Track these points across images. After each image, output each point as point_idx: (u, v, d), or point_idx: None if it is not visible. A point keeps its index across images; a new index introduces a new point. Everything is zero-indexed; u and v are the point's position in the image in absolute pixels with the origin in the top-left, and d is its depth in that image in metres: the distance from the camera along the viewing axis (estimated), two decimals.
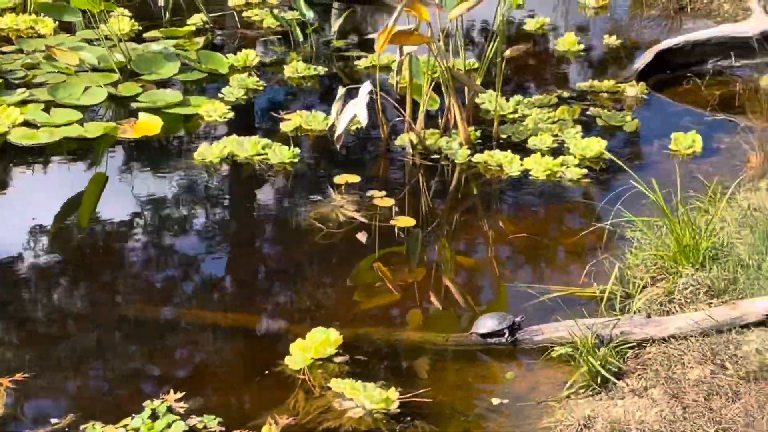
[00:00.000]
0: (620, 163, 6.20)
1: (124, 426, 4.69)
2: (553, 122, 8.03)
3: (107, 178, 7.27)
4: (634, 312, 5.46)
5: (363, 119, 6.93)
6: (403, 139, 7.59)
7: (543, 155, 7.39)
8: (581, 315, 5.44)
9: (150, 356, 5.33)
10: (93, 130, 7.68)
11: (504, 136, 7.84)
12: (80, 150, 7.63)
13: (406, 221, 6.58)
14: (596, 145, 7.51)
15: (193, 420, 4.75)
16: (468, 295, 5.91)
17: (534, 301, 5.69)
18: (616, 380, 4.92)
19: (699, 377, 4.75)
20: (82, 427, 4.70)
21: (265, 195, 7.05)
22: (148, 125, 7.79)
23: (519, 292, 5.83)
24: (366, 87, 7.02)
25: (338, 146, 7.14)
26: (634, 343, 5.15)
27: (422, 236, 6.49)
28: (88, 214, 6.83)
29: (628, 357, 5.10)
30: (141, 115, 7.90)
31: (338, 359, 5.20)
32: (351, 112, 7.01)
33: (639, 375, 4.95)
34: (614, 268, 5.68)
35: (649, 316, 5.22)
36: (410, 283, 5.98)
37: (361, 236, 6.42)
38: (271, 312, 5.72)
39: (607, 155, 7.33)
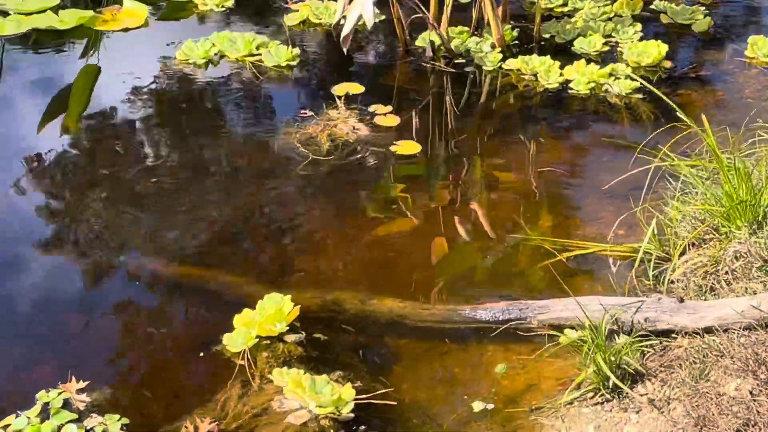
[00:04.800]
0: (659, 94, 4.93)
1: (4, 427, 3.76)
2: (609, 18, 6.75)
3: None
4: (670, 282, 4.36)
5: (368, 21, 5.77)
6: (424, 40, 6.40)
7: (589, 62, 6.16)
8: (604, 283, 4.37)
9: (55, 323, 4.35)
10: (68, 20, 6.62)
11: (546, 36, 6.61)
12: (47, 44, 6.60)
13: (410, 147, 5.48)
14: (654, 50, 6.26)
15: (93, 420, 3.81)
16: (471, 251, 4.80)
17: (550, 261, 4.58)
18: (631, 387, 3.83)
19: (735, 396, 3.66)
20: None
21: (248, 108, 5.96)
22: (132, 15, 6.72)
23: (534, 247, 4.72)
24: None
25: (345, 49, 6.01)
26: (661, 336, 4.05)
27: (424, 169, 5.37)
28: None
29: (651, 353, 4.00)
30: (126, 2, 6.81)
31: (292, 337, 4.20)
32: (359, 10, 5.85)
33: (662, 380, 3.88)
34: (652, 223, 4.51)
35: (681, 300, 4.09)
36: (399, 233, 4.91)
37: (351, 168, 5.33)
38: (223, 267, 4.69)
39: (667, 64, 6.11)
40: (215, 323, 4.30)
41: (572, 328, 4.14)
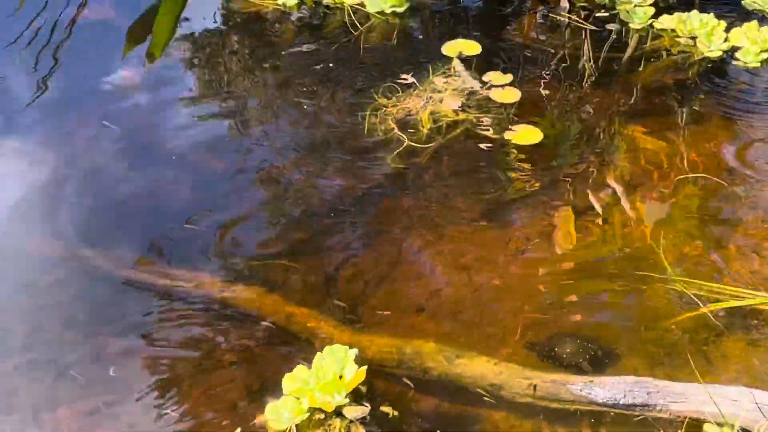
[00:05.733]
0: None
1: None
2: None
3: None
4: None
5: None
6: None
7: (762, 23, 4.99)
8: (761, 353, 3.36)
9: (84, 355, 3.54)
10: None
11: None
12: None
13: (529, 135, 4.44)
14: None
15: None
16: (588, 289, 3.80)
17: (691, 313, 3.57)
18: None
19: None
20: None
21: (338, 66, 4.94)
22: None
23: (672, 291, 3.69)
24: None
25: None
26: None
27: (543, 167, 4.34)
28: None
29: None
30: None
31: (353, 411, 3.33)
32: None
33: None
34: None
35: None
36: (502, 253, 3.94)
37: (454, 160, 4.34)
38: (284, 289, 3.79)
39: None
40: (263, 375, 3.46)
41: (718, 424, 3.16)
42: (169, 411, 3.37)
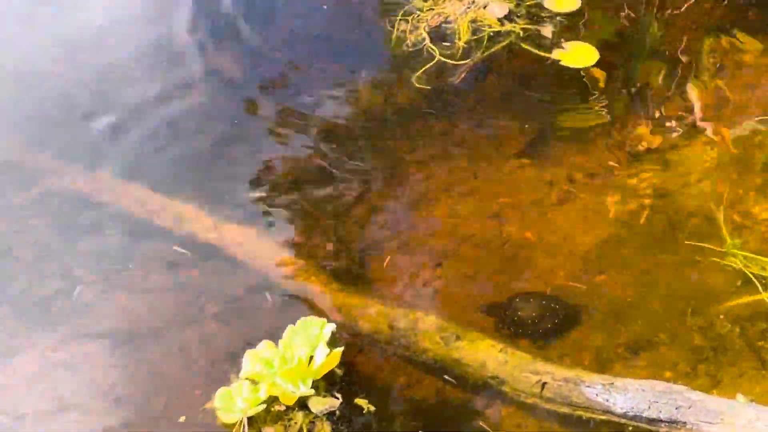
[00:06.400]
0: None
1: None
2: None
3: None
4: None
5: None
6: None
7: None
8: None
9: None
10: None
11: None
12: None
13: (582, 55, 3.76)
14: None
15: None
16: (629, 261, 3.18)
17: (746, 299, 2.96)
18: None
19: None
20: None
21: None
22: None
23: (729, 268, 3.04)
24: None
25: None
26: None
27: (597, 98, 3.65)
28: None
29: None
30: None
31: (320, 404, 2.82)
32: None
33: None
34: None
35: None
36: (538, 202, 3.38)
37: (490, 83, 3.68)
38: (276, 233, 3.25)
39: None
40: (232, 347, 2.94)
41: None
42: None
